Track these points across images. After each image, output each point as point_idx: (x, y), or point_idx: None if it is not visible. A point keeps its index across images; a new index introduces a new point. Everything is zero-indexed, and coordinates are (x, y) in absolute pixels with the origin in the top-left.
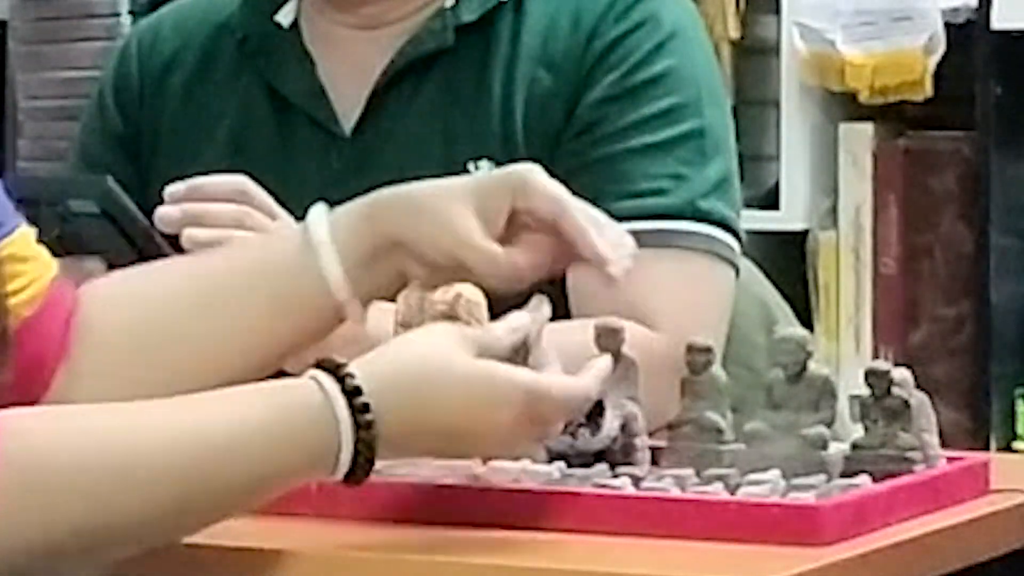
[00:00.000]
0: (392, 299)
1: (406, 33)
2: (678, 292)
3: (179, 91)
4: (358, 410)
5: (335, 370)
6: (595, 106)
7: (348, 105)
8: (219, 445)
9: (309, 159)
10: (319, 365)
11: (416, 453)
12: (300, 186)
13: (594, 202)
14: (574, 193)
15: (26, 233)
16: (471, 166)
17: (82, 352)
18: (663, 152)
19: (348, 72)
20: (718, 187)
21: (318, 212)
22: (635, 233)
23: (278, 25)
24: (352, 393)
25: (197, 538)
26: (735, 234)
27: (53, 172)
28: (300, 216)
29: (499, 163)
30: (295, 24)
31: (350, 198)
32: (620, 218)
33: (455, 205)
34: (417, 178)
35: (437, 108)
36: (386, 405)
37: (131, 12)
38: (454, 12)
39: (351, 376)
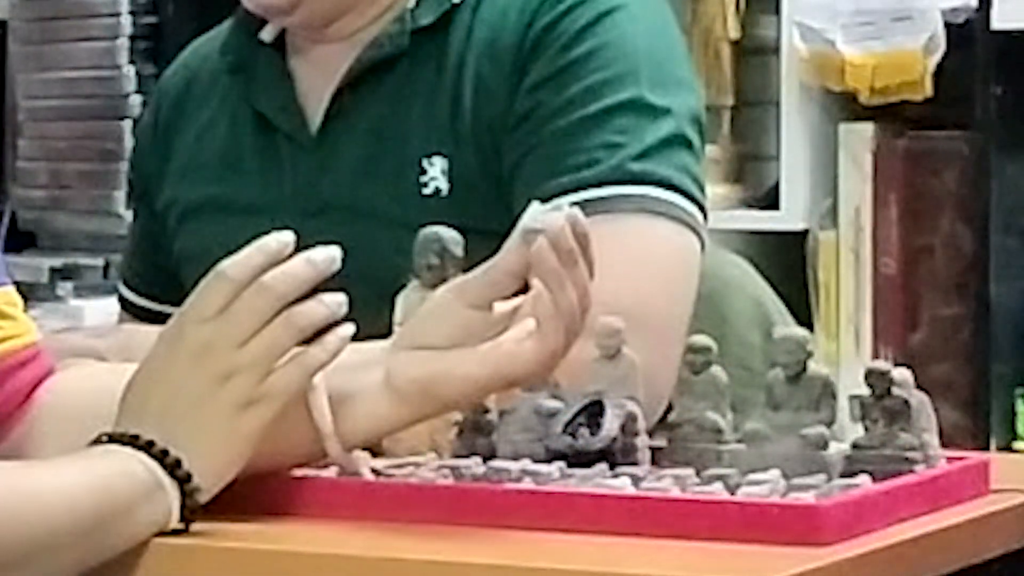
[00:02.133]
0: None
1: (368, 38)
2: (608, 255)
3: (187, 114)
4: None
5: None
6: (530, 91)
7: (315, 111)
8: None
9: (284, 168)
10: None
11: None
12: (278, 194)
13: (539, 187)
14: (522, 182)
15: (10, 293)
16: (425, 162)
17: (45, 417)
18: (596, 124)
19: (319, 82)
20: (657, 150)
21: None
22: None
23: (261, 42)
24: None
25: (198, 539)
26: (685, 194)
27: (53, 171)
28: (282, 222)
29: (450, 159)
30: (280, 38)
31: (317, 197)
32: (557, 195)
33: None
34: (373, 175)
35: (393, 108)
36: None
37: (131, 12)
38: (413, 16)
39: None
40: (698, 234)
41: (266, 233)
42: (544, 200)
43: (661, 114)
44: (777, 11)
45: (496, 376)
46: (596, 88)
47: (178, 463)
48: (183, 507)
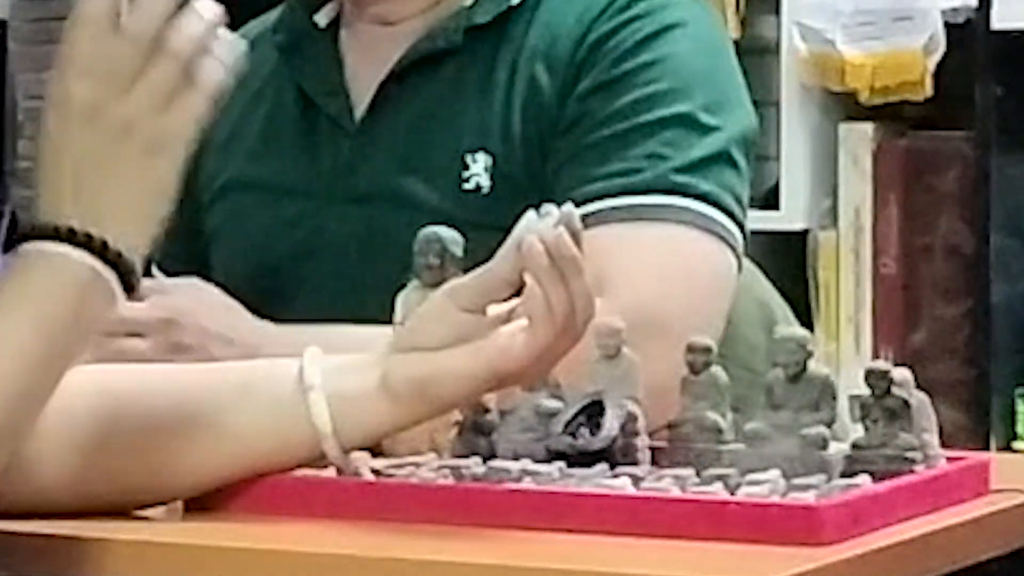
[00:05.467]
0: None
1: (422, 29)
2: (637, 259)
3: (232, 97)
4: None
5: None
6: (581, 98)
7: (360, 99)
8: None
9: (325, 152)
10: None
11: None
12: (316, 177)
13: (578, 190)
14: (563, 185)
15: None
16: (468, 158)
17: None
18: (644, 135)
19: (367, 68)
20: (701, 165)
21: (314, 352)
22: (604, 211)
23: (315, 25)
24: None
25: (195, 538)
26: (725, 211)
27: None
28: (319, 204)
29: (495, 156)
30: (334, 23)
31: (356, 184)
32: (595, 199)
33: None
34: (415, 166)
35: (441, 103)
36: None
37: None
38: (469, 13)
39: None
40: (735, 252)
41: (300, 215)
42: (580, 204)
43: (710, 131)
44: (777, 11)
45: (489, 371)
46: (646, 100)
47: (104, 245)
48: (123, 285)
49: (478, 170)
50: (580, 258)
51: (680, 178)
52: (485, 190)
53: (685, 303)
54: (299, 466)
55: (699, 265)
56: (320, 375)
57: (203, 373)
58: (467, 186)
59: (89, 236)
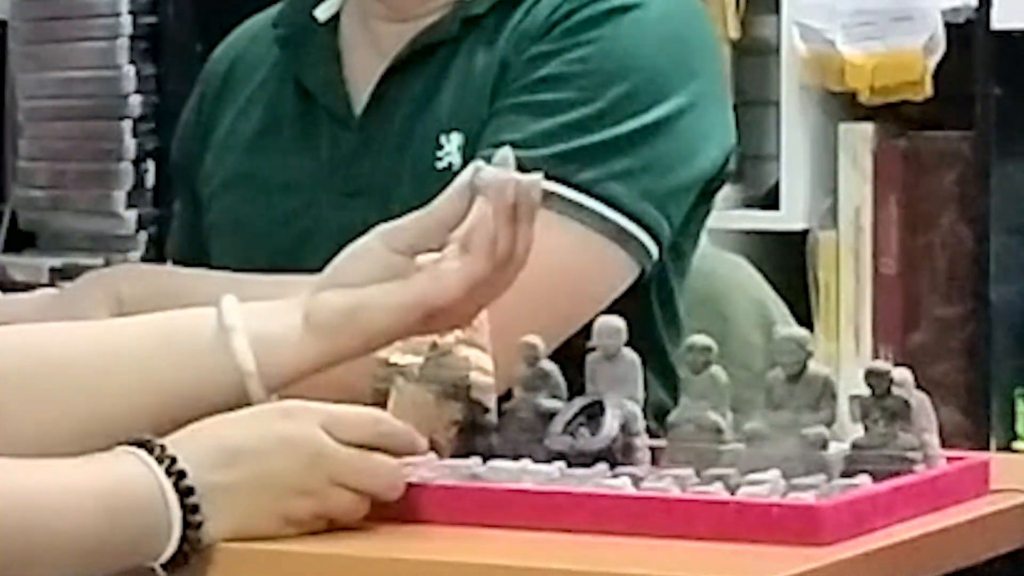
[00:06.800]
0: None
1: (424, 23)
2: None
3: (231, 92)
4: (183, 493)
5: (155, 449)
6: (523, 64)
7: (361, 94)
8: (51, 505)
9: (324, 146)
10: (138, 444)
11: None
12: (315, 171)
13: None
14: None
15: None
16: (443, 138)
17: None
18: (545, 112)
19: (369, 63)
20: (591, 152)
21: (230, 299)
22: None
23: (314, 19)
24: (178, 476)
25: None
26: (608, 202)
27: (53, 171)
28: (317, 199)
29: (467, 136)
30: (335, 19)
31: (354, 179)
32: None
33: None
34: (402, 156)
35: (430, 92)
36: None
37: (131, 12)
38: (466, 5)
39: (173, 459)
40: (621, 246)
41: (299, 208)
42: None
43: (622, 118)
44: (777, 11)
45: (419, 302)
46: (567, 77)
47: (190, 490)
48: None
49: (451, 148)
50: (537, 208)
51: (562, 165)
52: (456, 167)
53: (520, 302)
54: (226, 410)
55: (548, 260)
56: (240, 318)
57: (125, 326)
58: (440, 164)
59: (163, 447)
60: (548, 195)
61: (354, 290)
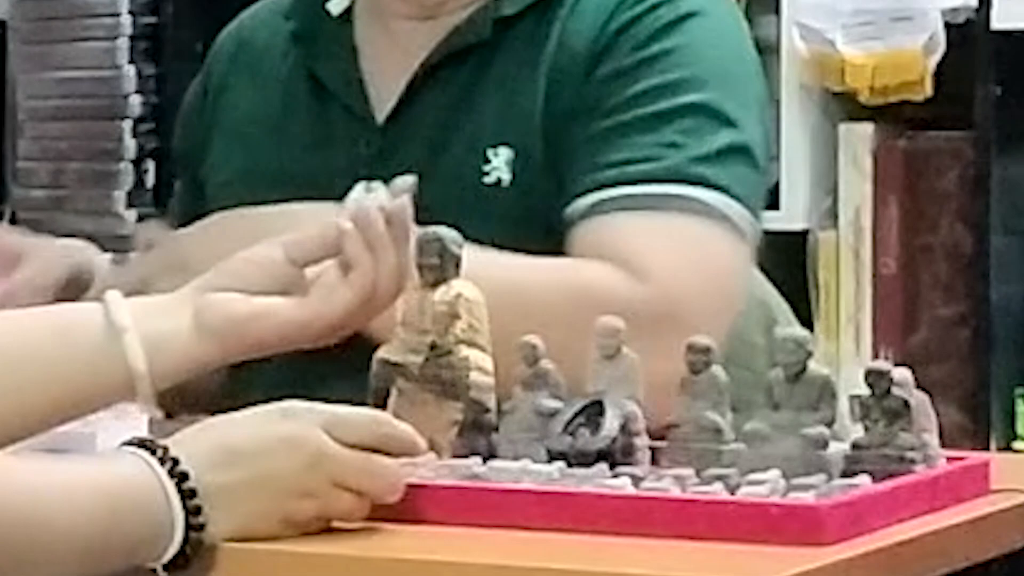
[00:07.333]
0: None
1: (451, 24)
2: (661, 250)
3: (238, 77)
4: (186, 495)
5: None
6: (600, 83)
7: (386, 94)
8: (53, 505)
9: (340, 144)
10: (140, 444)
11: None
12: (330, 170)
13: (591, 176)
14: (576, 170)
15: None
16: (490, 152)
17: None
18: (661, 123)
19: (392, 62)
20: (718, 157)
21: (115, 296)
22: (620, 198)
23: (328, 13)
24: (181, 478)
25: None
26: (742, 203)
27: (53, 171)
28: (332, 196)
29: (516, 150)
30: (347, 13)
31: (374, 182)
32: (609, 184)
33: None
34: (439, 164)
35: (466, 98)
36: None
37: (131, 12)
38: (497, 4)
39: (176, 461)
40: (750, 246)
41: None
42: (595, 190)
43: (728, 123)
44: (777, 11)
45: (311, 321)
46: (664, 87)
47: (193, 493)
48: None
49: (499, 164)
50: (411, 227)
51: (697, 168)
52: (505, 183)
53: (704, 299)
54: (106, 405)
55: (716, 260)
56: (130, 316)
57: (18, 318)
58: (488, 180)
59: (165, 449)
60: (682, 198)
61: (248, 298)
